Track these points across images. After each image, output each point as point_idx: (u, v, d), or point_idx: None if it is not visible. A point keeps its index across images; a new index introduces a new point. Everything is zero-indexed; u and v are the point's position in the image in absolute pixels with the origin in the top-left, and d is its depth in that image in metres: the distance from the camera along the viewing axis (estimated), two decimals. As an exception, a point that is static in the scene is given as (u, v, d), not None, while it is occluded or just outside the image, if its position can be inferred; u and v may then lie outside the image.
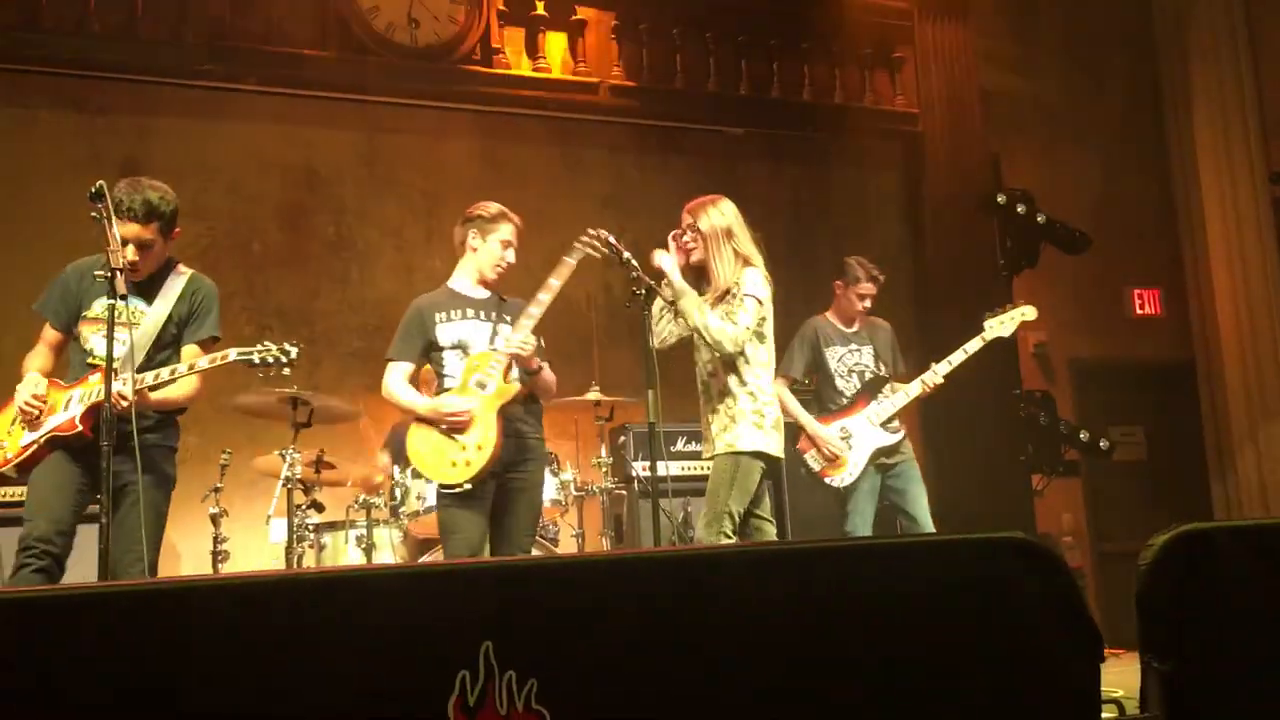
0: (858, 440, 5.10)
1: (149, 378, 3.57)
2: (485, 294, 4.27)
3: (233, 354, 3.65)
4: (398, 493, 5.01)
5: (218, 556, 4.94)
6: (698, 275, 4.21)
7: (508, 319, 4.17)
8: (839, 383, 5.24)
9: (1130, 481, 7.65)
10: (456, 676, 1.59)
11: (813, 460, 5.13)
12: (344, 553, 4.96)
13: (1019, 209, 6.95)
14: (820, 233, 7.49)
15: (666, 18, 7.05)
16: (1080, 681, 1.93)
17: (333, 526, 5.07)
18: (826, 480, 5.11)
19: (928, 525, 5.06)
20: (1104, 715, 2.19)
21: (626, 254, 4.02)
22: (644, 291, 3.95)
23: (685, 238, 4.22)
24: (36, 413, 3.60)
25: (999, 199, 6.99)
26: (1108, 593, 6.88)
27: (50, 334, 3.81)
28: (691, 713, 1.74)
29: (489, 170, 6.75)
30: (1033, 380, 7.42)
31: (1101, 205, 7.98)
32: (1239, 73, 7.71)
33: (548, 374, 4.18)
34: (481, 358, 4.08)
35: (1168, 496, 7.55)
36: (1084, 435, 6.76)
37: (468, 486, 3.91)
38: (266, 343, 3.72)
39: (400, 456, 5.24)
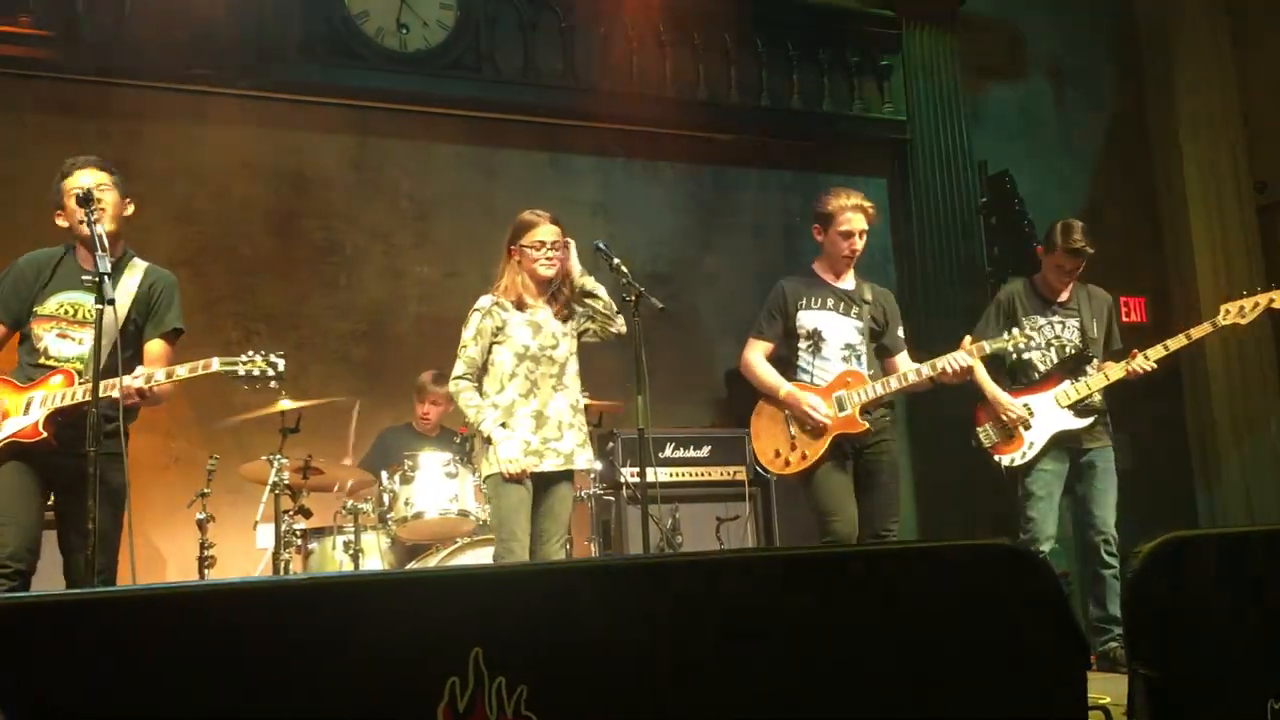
0: (1039, 420, 4.67)
1: (118, 383, 3.41)
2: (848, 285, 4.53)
3: (215, 363, 3.53)
4: (386, 498, 5.00)
5: (204, 562, 4.92)
6: (543, 285, 4.09)
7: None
8: (1033, 355, 4.75)
9: (1118, 489, 7.66)
10: (446, 682, 1.59)
11: (985, 435, 4.76)
12: (331, 558, 4.95)
13: (1015, 204, 7.00)
14: (810, 239, 7.48)
15: (655, 24, 7.07)
16: (1066, 688, 1.94)
17: (320, 532, 5.06)
18: (998, 458, 4.73)
19: (1112, 528, 4.67)
20: (1090, 722, 2.20)
21: (616, 260, 4.03)
22: (634, 298, 3.95)
23: (560, 250, 4.10)
24: None
25: (1007, 181, 7.05)
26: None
27: None
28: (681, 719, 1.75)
29: (478, 175, 6.75)
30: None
31: (1088, 213, 7.98)
32: (1224, 83, 7.77)
33: None
34: (855, 376, 4.33)
35: (1153, 504, 7.55)
36: None
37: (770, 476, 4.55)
38: (251, 353, 3.59)
39: (387, 461, 5.24)
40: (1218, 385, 7.69)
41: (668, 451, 5.99)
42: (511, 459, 3.87)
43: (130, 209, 3.79)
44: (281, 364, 3.61)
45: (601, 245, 4.11)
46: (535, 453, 3.94)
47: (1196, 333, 4.72)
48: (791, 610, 1.88)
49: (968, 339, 4.46)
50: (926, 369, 4.36)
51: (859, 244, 4.45)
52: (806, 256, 4.70)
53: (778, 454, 4.39)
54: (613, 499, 5.76)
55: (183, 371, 3.53)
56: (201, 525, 4.95)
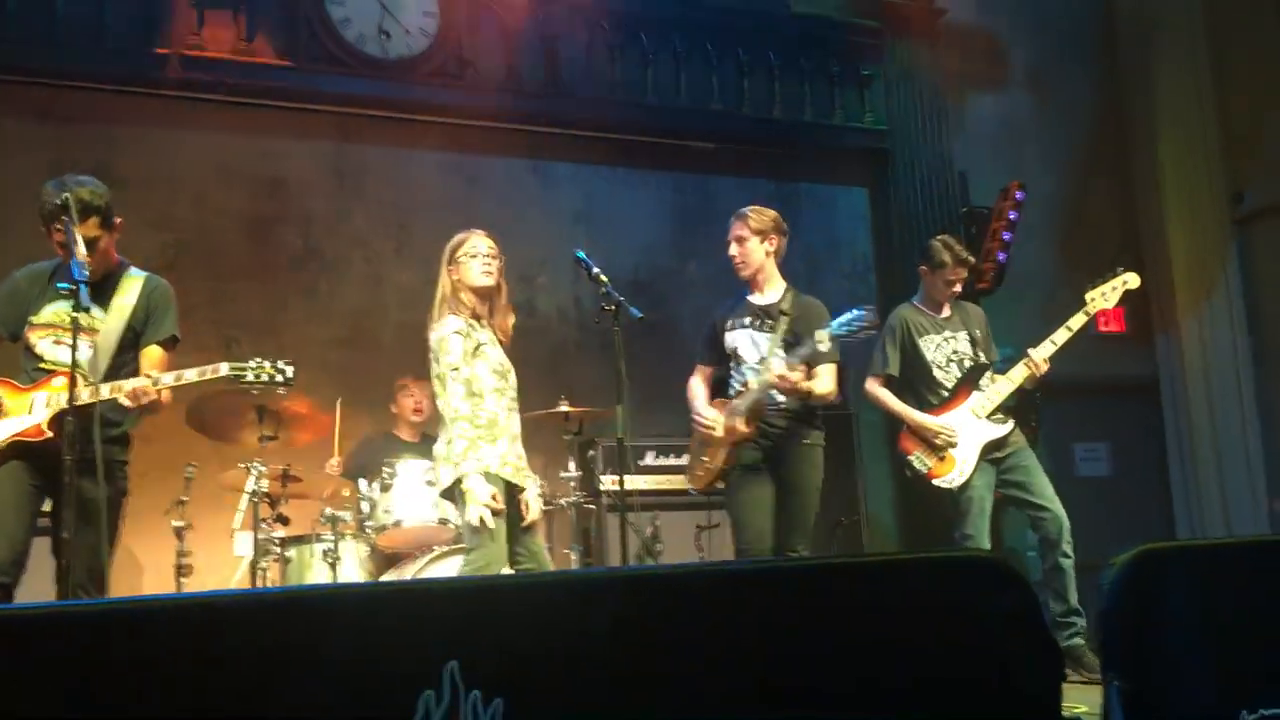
0: (964, 436, 4.72)
1: (126, 384, 3.48)
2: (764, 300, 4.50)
3: (224, 368, 3.57)
4: (365, 506, 4.97)
5: (181, 570, 4.89)
6: (484, 297, 3.98)
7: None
8: (938, 374, 4.84)
9: (1094, 497, 7.71)
10: (420, 696, 1.58)
11: (918, 462, 4.77)
12: (310, 566, 4.91)
13: (1011, 215, 7.08)
14: (790, 247, 7.50)
15: (637, 32, 7.08)
16: (1041, 698, 1.95)
17: (298, 540, 5.02)
18: (935, 482, 4.73)
19: (1060, 512, 4.68)
20: (1066, 733, 2.20)
21: (596, 269, 4.02)
22: (614, 307, 3.95)
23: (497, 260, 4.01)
24: None
25: (1018, 191, 7.15)
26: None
27: None
28: (657, 732, 1.74)
29: (459, 183, 6.74)
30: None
31: (1067, 223, 8.08)
32: (1202, 95, 7.82)
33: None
34: (747, 386, 4.31)
35: (1131, 512, 7.62)
36: None
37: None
38: (260, 360, 3.64)
39: (368, 469, 5.21)
40: (1195, 393, 7.74)
41: (647, 460, 5.99)
42: (495, 493, 3.73)
43: (118, 223, 3.76)
44: (290, 371, 3.66)
45: (581, 254, 4.10)
46: (520, 471, 3.92)
47: (1075, 323, 4.78)
48: (768, 622, 1.88)
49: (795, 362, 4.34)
50: (758, 380, 4.27)
51: (735, 253, 4.47)
52: (786, 266, 4.70)
53: (690, 470, 4.52)
54: (592, 507, 5.75)
55: (191, 375, 3.55)
56: (179, 533, 4.91)
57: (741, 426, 4.27)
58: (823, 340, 4.13)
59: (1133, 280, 4.89)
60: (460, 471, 3.71)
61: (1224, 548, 2.43)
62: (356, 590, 2.32)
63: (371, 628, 1.62)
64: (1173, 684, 2.01)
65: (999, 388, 4.77)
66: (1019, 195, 7.22)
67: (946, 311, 4.97)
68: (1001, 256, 7.18)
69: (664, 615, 1.82)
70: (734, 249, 4.49)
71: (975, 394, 4.78)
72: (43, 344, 3.64)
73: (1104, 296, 4.85)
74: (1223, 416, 7.63)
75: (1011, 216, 7.17)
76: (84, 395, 3.39)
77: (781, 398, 4.28)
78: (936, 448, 4.74)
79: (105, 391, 3.45)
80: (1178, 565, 2.14)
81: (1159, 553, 2.11)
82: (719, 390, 4.53)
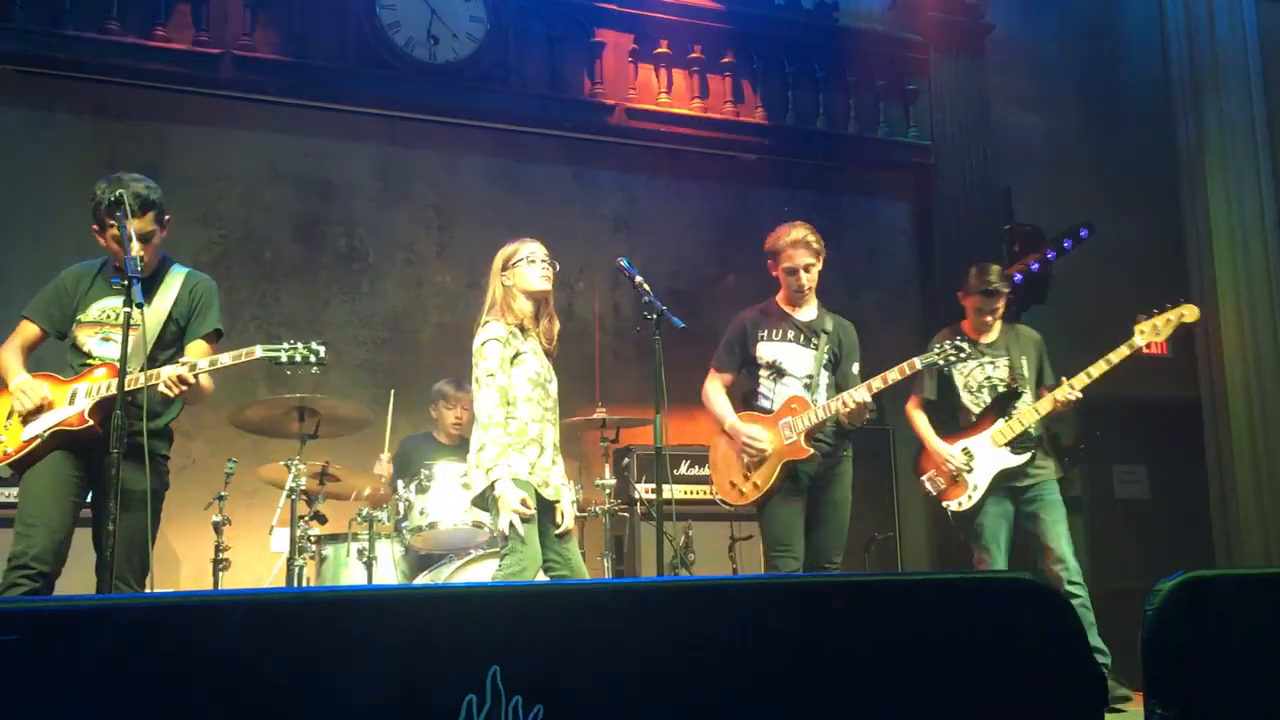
0: (979, 462, 4.74)
1: (163, 371, 3.52)
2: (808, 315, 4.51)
3: (258, 350, 3.62)
4: (401, 507, 5.00)
5: (219, 565, 4.94)
6: (538, 304, 4.02)
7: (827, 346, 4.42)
8: (966, 399, 4.87)
9: (1132, 520, 7.63)
10: (463, 700, 1.60)
11: (930, 483, 4.83)
12: (345, 565, 4.95)
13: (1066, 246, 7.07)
14: (830, 261, 7.47)
15: (683, 42, 7.10)
16: (1083, 723, 1.93)
17: (334, 539, 5.06)
18: (945, 505, 4.78)
19: (1067, 556, 4.65)
20: (1105, 759, 2.18)
21: (639, 277, 4.03)
22: (655, 316, 3.95)
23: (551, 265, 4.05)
24: (37, 408, 3.56)
25: (1082, 231, 7.09)
26: (1108, 631, 6.84)
27: (30, 332, 3.75)
28: (695, 743, 1.75)
29: (502, 187, 6.78)
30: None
31: (1111, 242, 7.99)
32: (1251, 114, 7.73)
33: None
34: (800, 402, 4.34)
35: (1170, 535, 7.53)
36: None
37: (728, 507, 4.49)
38: (293, 340, 3.69)
39: (406, 471, 5.25)
40: (1236, 417, 7.63)
41: (682, 469, 5.98)
42: (525, 499, 3.74)
43: (167, 220, 3.82)
44: (323, 350, 3.72)
45: (625, 262, 4.11)
46: (545, 483, 3.91)
47: (1115, 356, 4.72)
48: (807, 636, 1.88)
49: (875, 379, 4.31)
50: (835, 404, 4.26)
51: (805, 279, 4.45)
52: (826, 277, 4.70)
53: (733, 485, 4.40)
54: (626, 515, 5.75)
55: (226, 359, 3.61)
56: (217, 528, 4.96)
57: (805, 446, 4.27)
58: (856, 365, 4.39)
59: (1190, 313, 4.76)
60: (491, 478, 3.74)
61: (1269, 577, 2.39)
62: (403, 592, 2.33)
63: (416, 631, 1.63)
64: (1216, 713, 1.99)
65: (1023, 415, 4.74)
66: (1083, 233, 7.15)
67: (991, 336, 4.95)
68: (1018, 277, 7.08)
69: (706, 627, 1.82)
70: (808, 277, 4.45)
71: (999, 421, 4.76)
72: (91, 341, 3.68)
73: (1155, 329, 4.75)
74: (1265, 442, 7.52)
75: (1065, 244, 7.10)
76: (112, 385, 3.43)
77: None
78: (948, 471, 4.79)
79: (143, 380, 3.48)
80: (1223, 593, 2.12)
81: (1204, 580, 2.09)
82: (744, 401, 4.56)
